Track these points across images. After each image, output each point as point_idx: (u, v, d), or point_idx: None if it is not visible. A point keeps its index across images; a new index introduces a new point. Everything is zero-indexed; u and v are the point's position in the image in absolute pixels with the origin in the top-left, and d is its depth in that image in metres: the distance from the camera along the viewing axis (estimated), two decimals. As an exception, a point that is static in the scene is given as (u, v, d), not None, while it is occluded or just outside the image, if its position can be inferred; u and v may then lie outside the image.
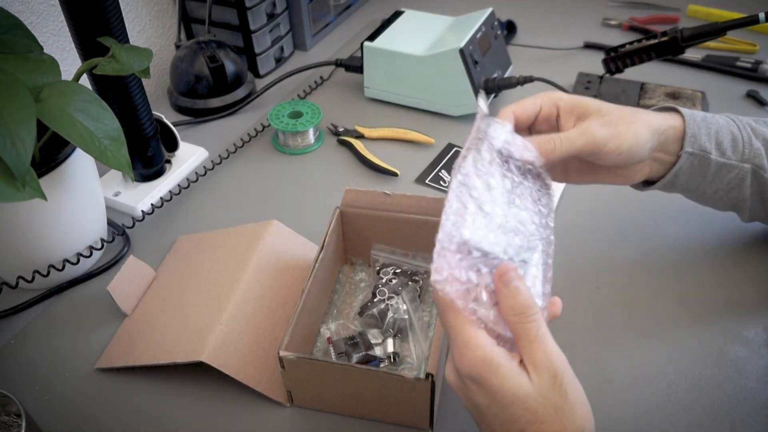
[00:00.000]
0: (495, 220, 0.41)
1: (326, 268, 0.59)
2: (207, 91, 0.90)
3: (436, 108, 0.88)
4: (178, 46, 0.92)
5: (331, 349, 0.57)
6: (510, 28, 1.06)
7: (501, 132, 0.47)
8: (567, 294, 0.63)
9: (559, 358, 0.37)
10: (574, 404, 0.37)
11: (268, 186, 0.79)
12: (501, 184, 0.44)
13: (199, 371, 0.54)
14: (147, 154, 0.75)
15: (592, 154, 0.51)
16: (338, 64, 0.94)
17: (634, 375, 0.56)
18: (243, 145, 0.85)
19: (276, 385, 0.54)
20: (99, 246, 0.67)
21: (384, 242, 0.63)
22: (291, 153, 0.84)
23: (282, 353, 0.49)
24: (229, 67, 0.90)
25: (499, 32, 0.90)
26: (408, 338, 0.58)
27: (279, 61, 1.03)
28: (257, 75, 1.00)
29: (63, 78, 0.57)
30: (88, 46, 0.64)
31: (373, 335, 0.58)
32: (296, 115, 0.84)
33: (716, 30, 0.72)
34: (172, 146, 0.80)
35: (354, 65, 0.92)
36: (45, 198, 0.50)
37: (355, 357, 0.55)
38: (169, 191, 0.76)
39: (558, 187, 0.74)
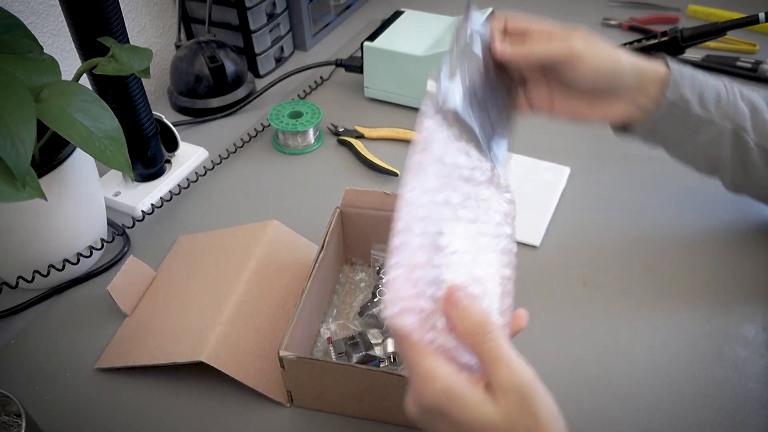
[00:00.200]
0: (440, 240, 0.39)
1: (326, 268, 0.59)
2: (207, 91, 0.90)
3: (436, 108, 0.88)
4: (178, 46, 0.92)
5: (331, 349, 0.57)
6: (510, 28, 1.06)
7: (481, 18, 0.47)
8: (566, 294, 0.63)
9: (525, 376, 0.35)
10: (546, 425, 0.35)
11: (268, 186, 0.79)
12: (448, 196, 0.41)
13: (199, 371, 0.54)
14: (147, 154, 0.75)
15: (569, 66, 0.51)
16: (338, 64, 0.94)
17: (634, 375, 0.56)
18: (243, 145, 0.85)
19: (276, 385, 0.54)
20: (99, 246, 0.67)
21: (384, 242, 0.62)
22: (291, 153, 0.84)
23: (282, 353, 0.49)
24: (229, 67, 0.90)
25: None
26: (408, 338, 0.58)
27: (279, 61, 1.04)
28: (257, 75, 1.00)
29: (63, 78, 0.57)
30: (88, 46, 0.64)
31: (373, 335, 0.58)
32: (296, 115, 0.84)
33: (716, 30, 0.72)
34: (172, 146, 0.80)
35: (354, 65, 0.92)
36: (45, 198, 0.50)
37: (355, 357, 0.55)
38: (169, 191, 0.76)
39: (559, 188, 0.74)
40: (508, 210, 0.45)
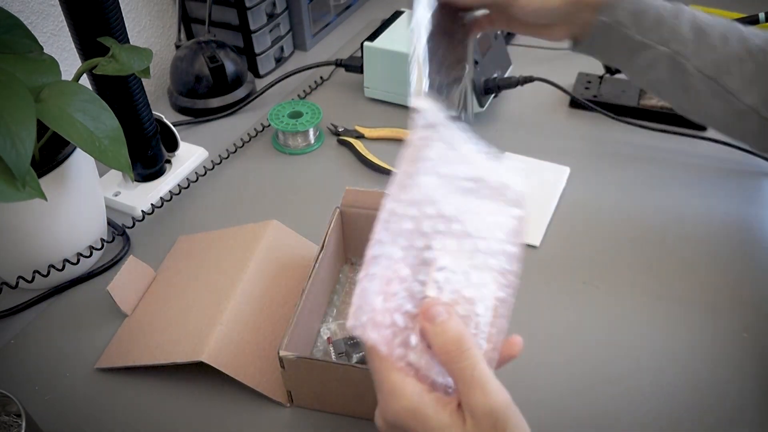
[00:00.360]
0: (427, 254, 0.38)
1: (326, 268, 0.59)
2: (207, 91, 0.90)
3: (436, 108, 0.88)
4: (178, 46, 0.92)
5: (331, 349, 0.57)
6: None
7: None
8: (566, 294, 0.63)
9: (500, 400, 0.33)
10: None
11: (268, 186, 0.79)
12: (442, 209, 0.39)
13: (199, 371, 0.54)
14: (147, 154, 0.75)
15: (508, 5, 0.56)
16: (338, 64, 0.94)
17: (634, 375, 0.56)
18: (243, 145, 0.85)
19: (276, 385, 0.54)
20: (99, 246, 0.67)
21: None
22: (291, 153, 0.84)
23: (282, 353, 0.49)
24: (229, 67, 0.90)
25: (499, 32, 0.90)
26: (408, 338, 0.58)
27: (279, 61, 1.04)
28: (257, 75, 1.00)
29: (63, 78, 0.57)
30: (88, 46, 0.64)
31: (373, 335, 0.58)
32: (296, 115, 0.84)
33: (716, 30, 0.72)
34: (172, 146, 0.80)
35: (354, 65, 0.92)
36: (45, 198, 0.50)
37: (355, 357, 0.55)
38: (169, 191, 0.76)
39: (559, 188, 0.74)
40: (514, 227, 0.40)
